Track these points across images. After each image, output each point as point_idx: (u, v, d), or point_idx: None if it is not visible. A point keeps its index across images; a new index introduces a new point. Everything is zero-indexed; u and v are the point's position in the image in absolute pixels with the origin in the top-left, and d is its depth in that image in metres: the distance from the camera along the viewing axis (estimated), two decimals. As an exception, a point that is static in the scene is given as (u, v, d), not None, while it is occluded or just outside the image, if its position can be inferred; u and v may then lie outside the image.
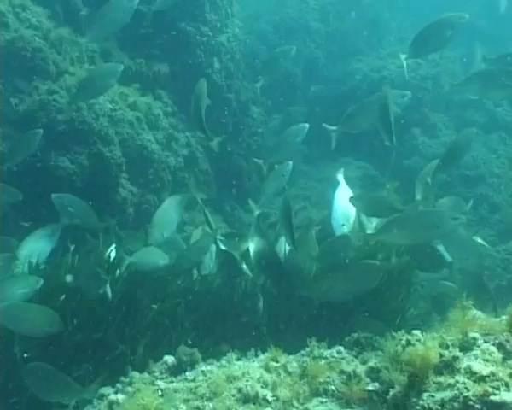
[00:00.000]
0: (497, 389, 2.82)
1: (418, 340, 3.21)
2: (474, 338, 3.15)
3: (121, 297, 4.44)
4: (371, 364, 3.34)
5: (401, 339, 3.24)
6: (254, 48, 12.83)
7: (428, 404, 2.87)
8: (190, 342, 3.94)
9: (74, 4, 7.66)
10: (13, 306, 4.11)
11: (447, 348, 3.07)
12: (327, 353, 3.51)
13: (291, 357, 3.59)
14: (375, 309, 4.32)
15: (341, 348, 3.55)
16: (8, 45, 6.64)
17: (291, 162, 7.10)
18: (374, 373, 3.29)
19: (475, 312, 3.41)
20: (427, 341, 3.09)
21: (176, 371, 3.69)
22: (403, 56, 5.95)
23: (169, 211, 5.39)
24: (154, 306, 4.27)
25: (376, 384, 3.22)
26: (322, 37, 13.79)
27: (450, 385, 2.93)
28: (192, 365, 3.69)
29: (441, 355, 2.99)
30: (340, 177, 5.71)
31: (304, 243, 4.94)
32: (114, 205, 7.13)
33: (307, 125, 6.98)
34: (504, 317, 3.23)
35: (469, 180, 10.59)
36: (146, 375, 3.73)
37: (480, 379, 2.92)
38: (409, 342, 3.20)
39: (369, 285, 4.12)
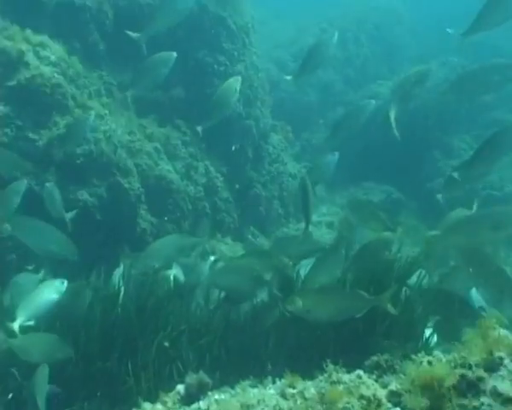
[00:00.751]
0: (526, 411, 2.66)
1: (440, 361, 3.06)
2: (501, 358, 2.99)
3: (122, 326, 4.34)
4: (392, 387, 3.19)
5: (422, 361, 3.09)
6: (274, 76, 12.93)
7: (452, 428, 2.72)
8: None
9: (93, 40, 7.78)
10: (25, 338, 4.09)
11: (470, 368, 2.92)
12: (346, 377, 3.37)
13: (309, 383, 3.45)
14: (389, 331, 4.13)
15: (361, 372, 3.40)
16: (28, 83, 6.73)
17: (337, 153, 6.97)
18: (395, 397, 3.13)
19: (501, 330, 3.25)
20: (437, 362, 2.92)
21: (189, 400, 3.59)
22: (457, 35, 5.48)
23: (165, 246, 5.36)
24: (166, 343, 4.15)
25: (398, 409, 3.06)
26: (341, 63, 13.84)
27: (475, 408, 2.78)
28: (201, 390, 3.58)
29: (464, 376, 2.84)
30: None
31: (331, 262, 4.74)
32: (134, 236, 7.12)
33: (373, 101, 6.92)
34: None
35: (496, 200, 10.36)
36: (159, 406, 3.62)
37: (507, 401, 2.76)
38: (430, 364, 3.05)
39: (353, 314, 3.93)
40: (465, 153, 11.11)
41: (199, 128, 6.26)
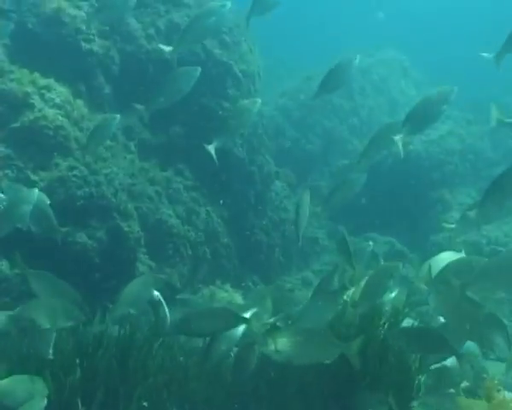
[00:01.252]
0: None
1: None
2: (504, 423, 2.84)
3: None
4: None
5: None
6: (279, 124, 13.00)
7: None
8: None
9: (98, 83, 7.82)
10: (9, 381, 4.00)
11: (473, 433, 2.77)
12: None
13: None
14: (377, 383, 3.97)
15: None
16: (32, 125, 6.75)
17: (365, 174, 6.73)
18: None
19: (506, 393, 3.11)
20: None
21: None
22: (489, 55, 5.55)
23: (137, 289, 5.25)
24: (145, 404, 4.00)
25: None
26: (346, 113, 13.91)
27: None
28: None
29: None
30: None
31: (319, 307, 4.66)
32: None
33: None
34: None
35: (501, 255, 10.22)
36: None
37: None
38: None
39: (323, 359, 3.83)
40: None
41: (211, 147, 6.09)
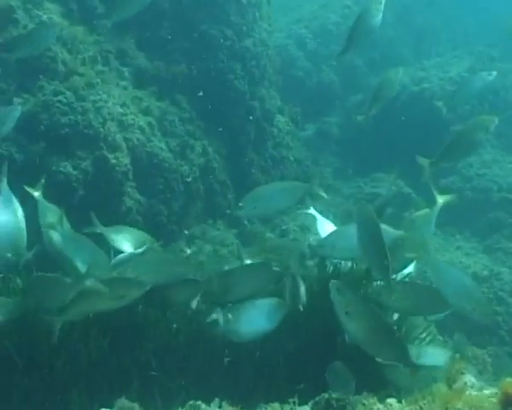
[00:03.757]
0: None
1: (391, 412, 2.66)
2: (458, 415, 2.58)
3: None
4: (339, 433, 2.81)
5: (372, 408, 2.70)
6: (292, 54, 12.39)
7: None
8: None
9: (90, 2, 7.37)
10: None
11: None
12: (292, 413, 3.01)
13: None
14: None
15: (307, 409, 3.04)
16: (15, 41, 6.38)
17: None
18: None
19: (468, 378, 2.84)
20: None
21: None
22: None
23: None
24: None
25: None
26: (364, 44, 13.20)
27: None
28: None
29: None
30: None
31: None
32: (119, 215, 6.77)
33: None
34: (497, 391, 2.62)
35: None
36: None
37: None
38: (380, 414, 2.66)
39: None
40: (483, 149, 10.51)
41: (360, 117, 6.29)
